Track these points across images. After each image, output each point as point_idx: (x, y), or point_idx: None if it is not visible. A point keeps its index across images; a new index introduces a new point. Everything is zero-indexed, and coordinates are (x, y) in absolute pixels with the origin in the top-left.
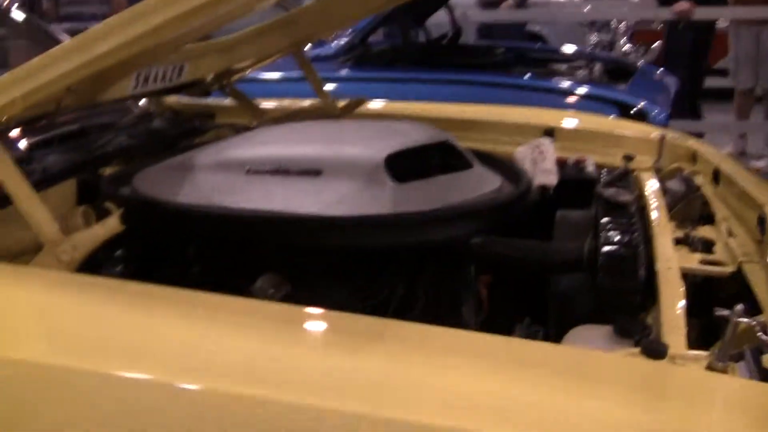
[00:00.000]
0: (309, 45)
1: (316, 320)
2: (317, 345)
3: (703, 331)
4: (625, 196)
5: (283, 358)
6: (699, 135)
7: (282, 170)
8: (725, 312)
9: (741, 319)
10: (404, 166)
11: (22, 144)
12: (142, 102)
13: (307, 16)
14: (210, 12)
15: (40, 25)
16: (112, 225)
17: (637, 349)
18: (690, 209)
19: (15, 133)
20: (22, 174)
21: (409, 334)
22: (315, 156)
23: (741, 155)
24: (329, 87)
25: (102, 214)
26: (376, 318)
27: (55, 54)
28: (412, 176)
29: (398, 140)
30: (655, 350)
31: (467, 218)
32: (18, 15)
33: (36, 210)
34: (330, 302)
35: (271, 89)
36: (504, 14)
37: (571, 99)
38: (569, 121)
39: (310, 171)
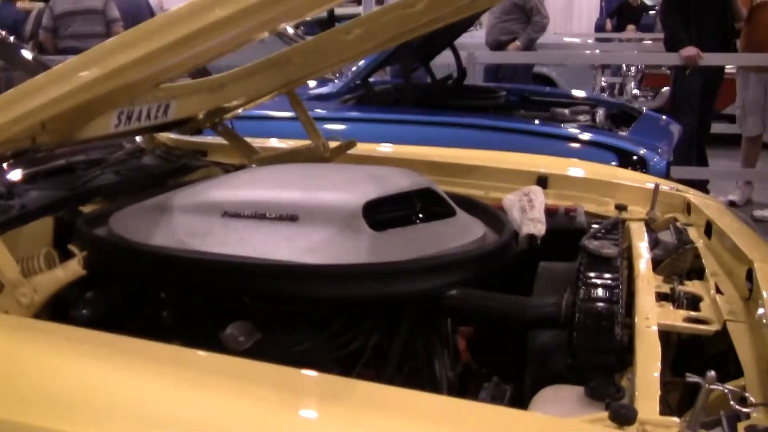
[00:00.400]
0: (313, 83)
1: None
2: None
3: (690, 391)
4: (610, 249)
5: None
6: (704, 182)
7: (258, 215)
8: (696, 378)
9: (713, 386)
10: (383, 213)
11: (4, 178)
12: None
13: (301, 56)
14: (180, 50)
15: (38, 59)
16: (73, 269)
17: (606, 413)
18: (680, 262)
19: None
20: None
21: (364, 395)
22: (292, 201)
23: (747, 204)
24: (330, 126)
25: (68, 257)
26: (329, 376)
27: (26, 89)
28: (391, 224)
29: (378, 187)
30: (624, 416)
31: (445, 270)
32: (24, 51)
33: None
34: (301, 352)
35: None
36: (513, 56)
37: (572, 144)
38: (564, 168)
39: (287, 216)
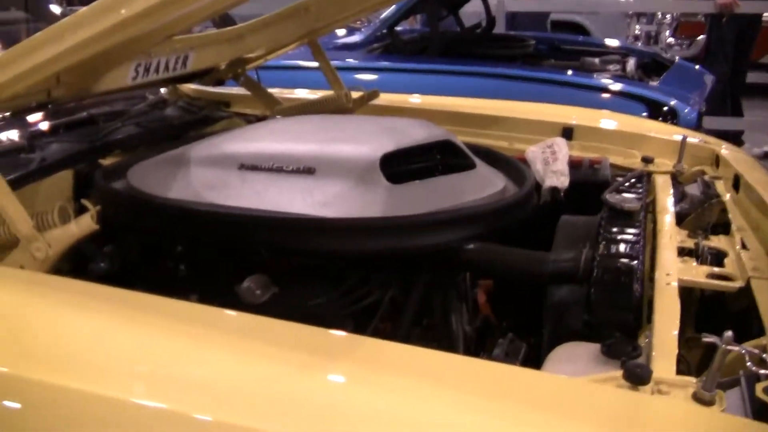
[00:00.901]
0: (342, 32)
1: (284, 335)
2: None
3: (711, 349)
4: (632, 204)
5: (245, 380)
6: (738, 133)
7: (275, 168)
8: (713, 339)
9: (730, 347)
10: (401, 166)
11: (26, 132)
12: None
13: (320, 5)
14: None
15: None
16: (86, 223)
17: (620, 372)
18: (706, 217)
19: (17, 120)
20: None
21: (374, 353)
22: (308, 154)
23: None
24: (357, 76)
25: (85, 212)
26: (343, 333)
27: (35, 42)
28: (408, 177)
29: (396, 139)
30: (638, 375)
31: (463, 223)
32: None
33: (10, 206)
34: (317, 306)
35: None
36: (544, 4)
37: (601, 95)
38: (590, 120)
39: (303, 169)
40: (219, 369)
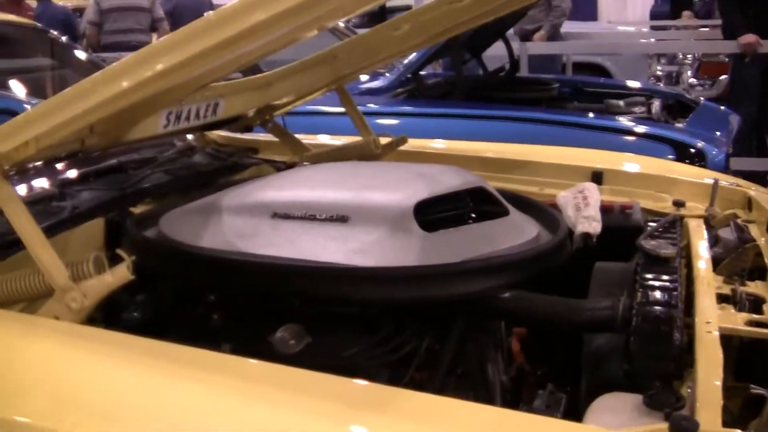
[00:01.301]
0: (365, 77)
1: (318, 387)
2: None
3: (755, 398)
4: (668, 249)
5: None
6: (765, 174)
7: (308, 216)
8: (761, 390)
9: None
10: (434, 214)
11: (57, 179)
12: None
13: (348, 52)
14: (226, 51)
15: (92, 59)
16: (121, 274)
17: (665, 425)
18: (741, 261)
19: (49, 168)
20: (32, 219)
21: (416, 406)
22: (341, 202)
23: None
24: (381, 121)
25: (118, 259)
26: (379, 386)
27: (71, 94)
28: (442, 225)
29: (429, 186)
30: (685, 428)
31: (498, 271)
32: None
33: (46, 256)
34: (352, 355)
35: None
36: (565, 46)
37: (627, 138)
38: (619, 164)
39: (337, 218)
40: (254, 422)
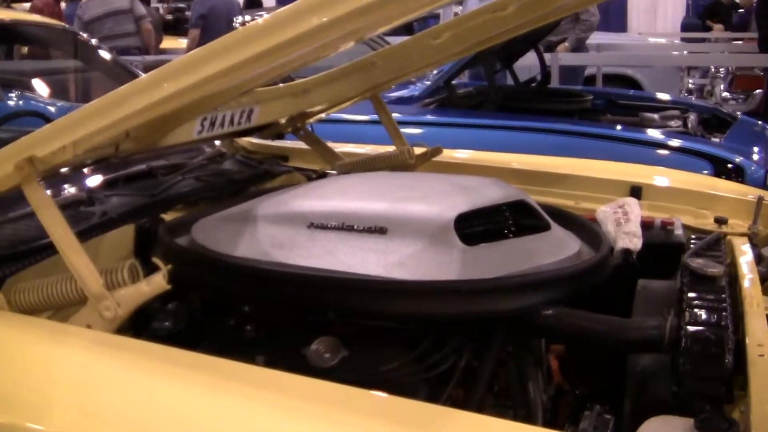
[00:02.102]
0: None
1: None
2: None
3: None
4: (715, 268)
5: None
6: None
7: (346, 227)
8: None
9: None
10: (475, 227)
11: (85, 184)
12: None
13: (386, 60)
14: (268, 60)
15: (117, 60)
16: (157, 283)
17: None
18: None
19: (77, 172)
20: (67, 224)
21: (448, 423)
22: (380, 213)
23: None
24: (410, 131)
25: (151, 269)
26: (412, 402)
27: (110, 100)
28: (483, 239)
29: (470, 199)
30: None
31: (540, 287)
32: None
33: (80, 263)
34: (389, 371)
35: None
36: (596, 57)
37: (662, 152)
38: (658, 179)
39: (375, 229)
40: None
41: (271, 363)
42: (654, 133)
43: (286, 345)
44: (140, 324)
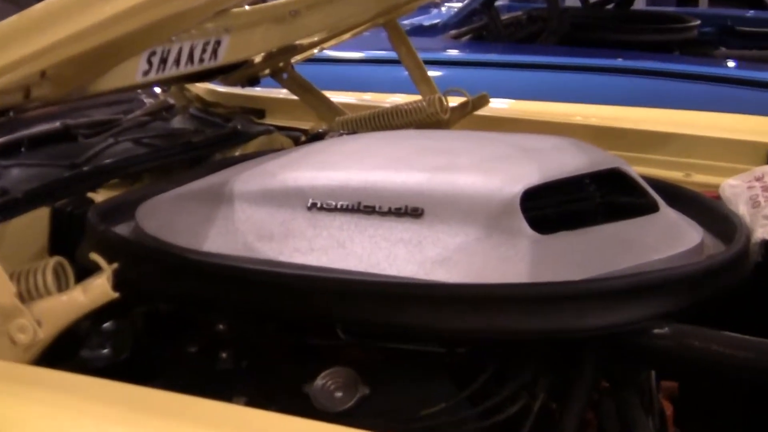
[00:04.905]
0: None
1: None
2: None
3: None
4: None
5: None
6: None
7: (363, 208)
8: None
9: None
10: (550, 208)
11: None
12: (158, 90)
13: None
14: None
15: None
16: (99, 290)
17: None
18: None
19: None
20: None
21: None
22: (413, 189)
23: None
24: (434, 74)
25: (86, 270)
26: None
27: (19, 24)
28: (561, 224)
29: (541, 167)
30: None
31: (649, 295)
32: None
33: None
34: (429, 417)
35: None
36: None
37: None
38: None
39: (406, 211)
40: None
41: (258, 404)
42: None
43: (279, 380)
44: (62, 352)
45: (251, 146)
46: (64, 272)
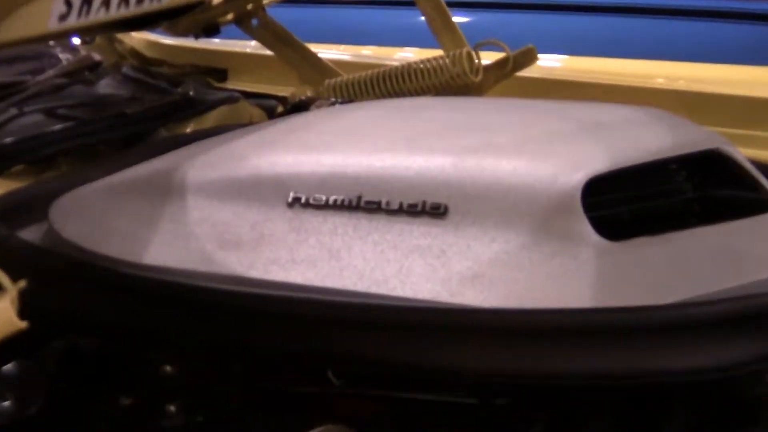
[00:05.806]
0: None
1: None
2: None
3: None
4: None
5: None
6: None
7: (363, 205)
8: None
9: None
10: (623, 204)
11: None
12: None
13: None
14: None
15: None
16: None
17: None
18: None
19: None
20: None
21: None
22: (433, 178)
23: None
24: (460, 20)
25: None
26: None
27: None
28: (639, 227)
29: (610, 148)
30: None
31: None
32: None
33: None
34: None
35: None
36: None
37: None
38: None
39: (424, 208)
40: None
41: None
42: None
43: None
44: None
45: (209, 119)
46: None
